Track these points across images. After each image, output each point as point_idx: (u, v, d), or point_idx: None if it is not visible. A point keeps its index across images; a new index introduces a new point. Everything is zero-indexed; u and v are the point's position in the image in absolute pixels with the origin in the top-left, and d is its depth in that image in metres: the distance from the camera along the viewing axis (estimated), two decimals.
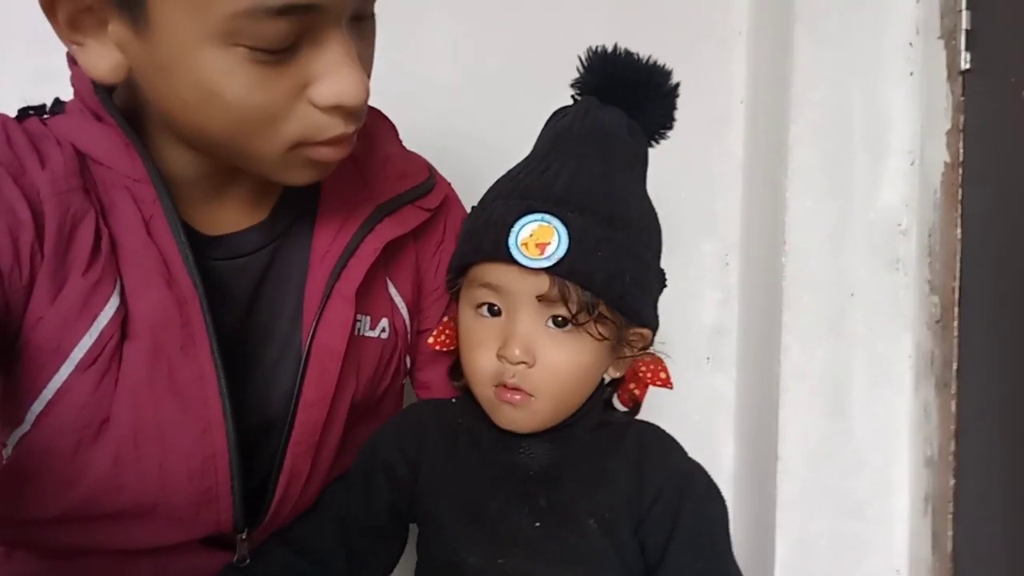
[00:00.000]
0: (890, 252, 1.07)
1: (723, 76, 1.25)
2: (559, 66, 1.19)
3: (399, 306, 0.80)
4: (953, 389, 0.99)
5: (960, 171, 1.00)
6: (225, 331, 0.69)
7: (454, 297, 0.76)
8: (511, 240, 0.65)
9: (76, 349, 0.63)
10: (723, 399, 1.25)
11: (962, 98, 0.99)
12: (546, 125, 0.75)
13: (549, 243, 0.65)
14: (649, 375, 0.76)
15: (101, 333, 0.63)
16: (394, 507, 0.75)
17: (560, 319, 0.67)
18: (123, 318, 0.64)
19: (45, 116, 0.68)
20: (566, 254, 0.65)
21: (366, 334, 0.76)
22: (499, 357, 0.68)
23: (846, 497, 1.06)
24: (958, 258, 0.99)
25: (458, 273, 0.73)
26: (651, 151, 1.21)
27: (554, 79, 1.23)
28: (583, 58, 0.75)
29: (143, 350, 0.64)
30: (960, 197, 1.00)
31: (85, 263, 0.62)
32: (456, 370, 0.77)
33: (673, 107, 0.75)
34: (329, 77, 0.58)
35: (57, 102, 0.69)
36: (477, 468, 0.72)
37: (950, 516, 0.98)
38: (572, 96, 0.77)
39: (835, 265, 1.07)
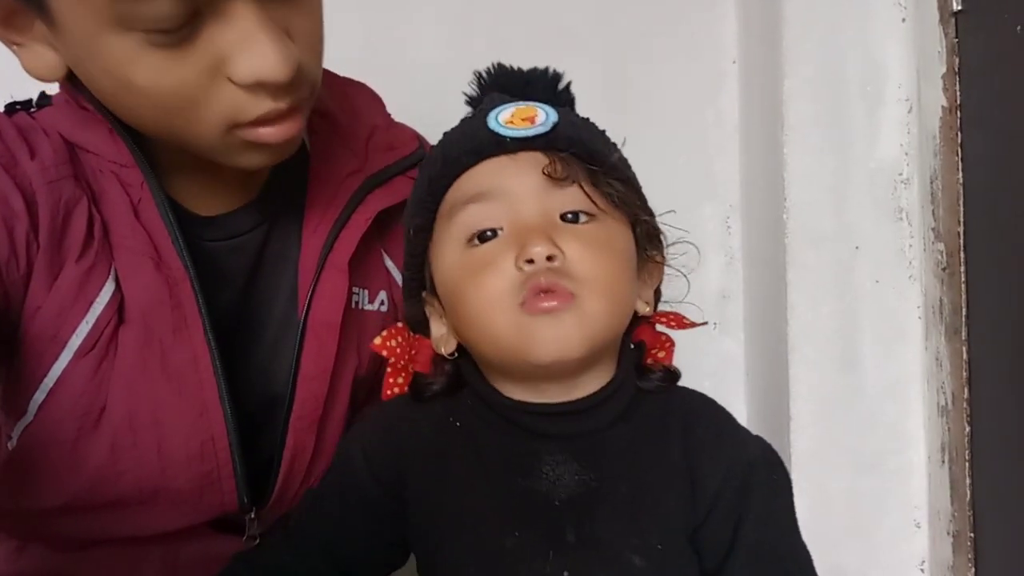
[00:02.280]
0: (892, 202, 1.05)
1: (714, 37, 1.24)
2: (547, 41, 1.19)
3: (396, 278, 0.79)
4: (964, 335, 0.98)
5: (958, 114, 0.98)
6: (222, 312, 0.69)
7: (412, 309, 0.61)
8: (491, 123, 0.55)
9: (74, 336, 0.63)
10: (732, 363, 1.25)
11: (956, 40, 0.98)
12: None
13: (536, 115, 0.56)
14: (673, 322, 0.64)
15: (98, 319, 0.63)
16: (375, 535, 0.61)
17: (572, 214, 0.55)
18: (119, 303, 0.64)
19: (32, 109, 0.68)
20: (559, 122, 0.55)
21: (365, 308, 0.76)
22: (520, 266, 0.52)
23: (862, 452, 1.05)
24: (961, 203, 0.98)
25: (427, 221, 0.59)
26: (645, 117, 1.21)
27: (542, 55, 1.22)
28: (469, 92, 0.65)
29: (135, 334, 0.64)
30: (960, 141, 0.98)
31: (79, 250, 0.63)
32: (419, 384, 0.62)
33: (572, 98, 0.64)
34: (242, 53, 0.55)
35: (43, 95, 0.70)
36: (483, 495, 0.57)
37: (967, 464, 0.97)
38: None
39: (838, 219, 1.06)
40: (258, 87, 0.56)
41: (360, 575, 0.62)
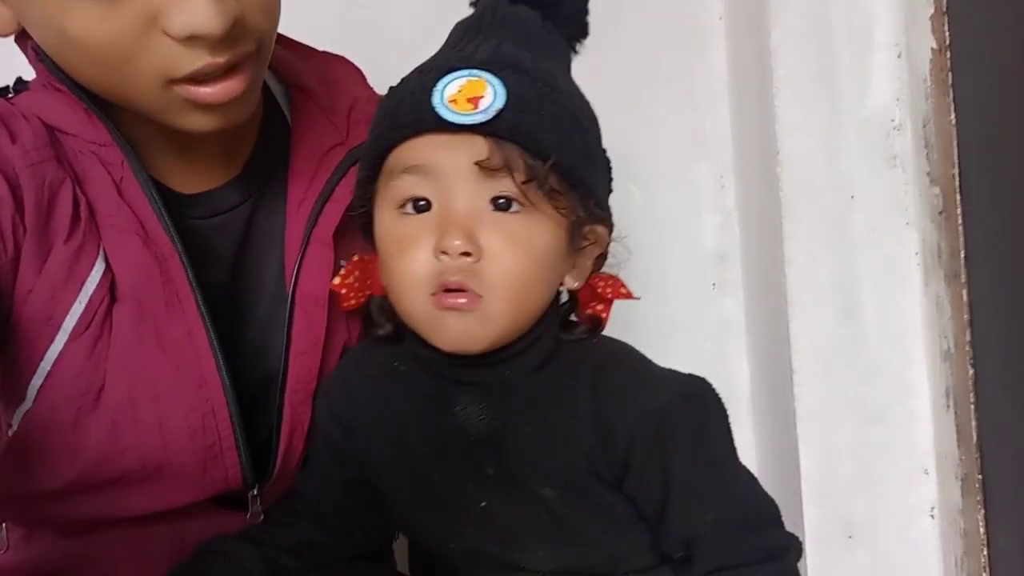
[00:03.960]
0: (886, 149, 1.04)
1: None
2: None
3: None
4: (963, 279, 0.97)
5: (948, 55, 0.97)
6: (213, 289, 0.70)
7: (364, 228, 0.62)
8: (435, 99, 0.53)
9: (68, 318, 0.63)
10: (732, 323, 1.24)
11: None
12: (451, 33, 0.63)
13: (483, 96, 0.53)
14: (609, 290, 0.64)
15: (90, 299, 0.64)
16: (351, 482, 0.66)
17: (503, 200, 0.54)
18: (110, 282, 0.65)
19: (10, 95, 0.68)
20: (505, 107, 0.53)
21: None
22: (437, 254, 0.54)
23: (866, 403, 1.04)
24: (955, 145, 0.97)
25: (370, 174, 0.59)
26: (634, 79, 1.20)
27: None
28: None
29: (129, 311, 0.65)
30: (951, 82, 0.97)
31: (66, 231, 0.63)
32: (372, 318, 0.64)
33: (585, 4, 0.64)
34: (175, 4, 0.54)
35: (20, 80, 0.70)
36: (414, 432, 0.61)
37: (972, 407, 0.96)
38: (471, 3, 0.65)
39: (832, 169, 1.05)
40: (193, 40, 0.55)
41: (353, 530, 0.68)
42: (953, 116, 0.97)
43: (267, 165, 0.74)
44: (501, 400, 0.59)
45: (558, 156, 0.54)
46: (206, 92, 0.58)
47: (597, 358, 0.60)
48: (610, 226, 0.62)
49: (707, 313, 1.24)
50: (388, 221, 0.58)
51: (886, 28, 1.03)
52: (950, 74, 0.97)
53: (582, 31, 0.64)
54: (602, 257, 0.63)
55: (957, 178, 0.97)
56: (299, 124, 0.75)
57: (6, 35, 0.62)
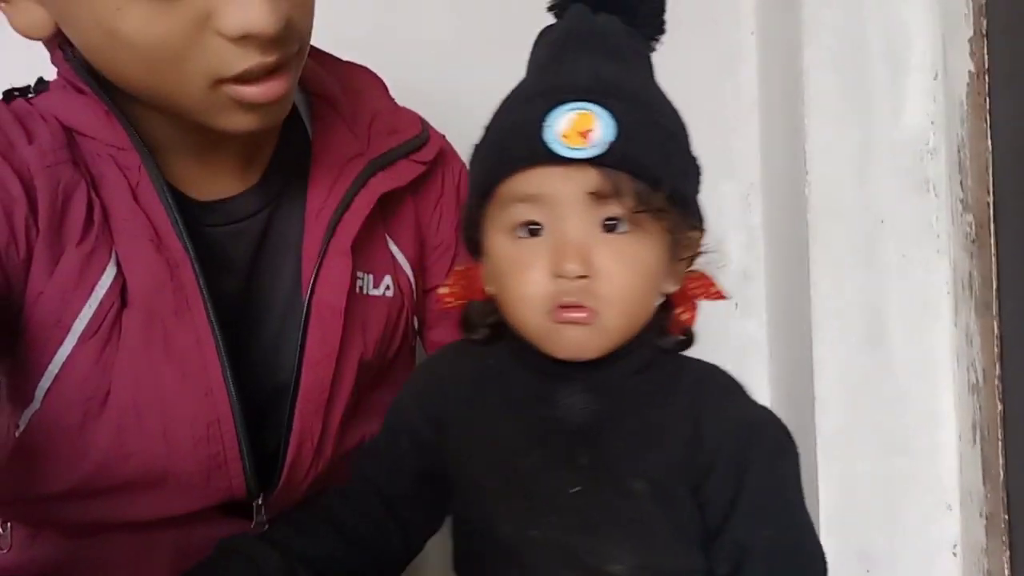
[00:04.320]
0: (919, 173, 1.02)
1: (732, 9, 1.21)
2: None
3: (401, 264, 0.79)
4: (995, 310, 0.94)
5: (986, 79, 0.94)
6: (227, 298, 0.69)
7: (469, 242, 0.67)
8: (547, 135, 0.57)
9: (77, 321, 0.63)
10: (755, 344, 1.22)
11: (982, 1, 0.94)
12: (537, 42, 0.67)
13: (592, 130, 0.57)
14: (700, 290, 0.68)
15: (100, 303, 0.63)
16: (425, 474, 0.69)
17: (612, 221, 0.59)
18: (121, 287, 0.64)
19: (30, 95, 0.68)
20: (615, 139, 0.57)
21: (371, 293, 0.75)
22: (554, 277, 0.58)
23: (890, 433, 1.02)
24: (990, 171, 0.94)
25: (481, 200, 0.63)
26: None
27: None
28: None
29: (138, 317, 0.64)
30: (988, 107, 0.94)
31: (79, 234, 0.63)
32: (469, 321, 0.69)
33: (663, 4, 0.67)
34: (230, 4, 0.54)
35: (40, 81, 0.70)
36: (508, 421, 0.65)
37: (1000, 443, 0.94)
38: (553, 13, 0.69)
39: (862, 192, 1.03)
40: (246, 40, 0.56)
41: (409, 523, 0.69)
42: (989, 141, 0.95)
43: (286, 173, 0.73)
44: (605, 395, 0.63)
45: (662, 181, 0.58)
46: (253, 91, 0.59)
47: (697, 371, 0.65)
48: (704, 230, 0.66)
49: (729, 333, 1.22)
50: (502, 244, 0.62)
51: (923, 49, 1.01)
52: (987, 99, 0.95)
53: (660, 29, 0.66)
54: (694, 257, 0.67)
55: (991, 206, 0.95)
56: (320, 133, 0.74)
57: (41, 38, 0.62)
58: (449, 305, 0.71)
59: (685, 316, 0.68)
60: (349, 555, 0.67)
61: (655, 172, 0.58)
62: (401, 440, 0.69)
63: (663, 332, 0.66)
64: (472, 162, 0.66)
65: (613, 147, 0.57)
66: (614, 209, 0.58)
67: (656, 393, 0.63)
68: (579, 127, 0.57)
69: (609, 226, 0.59)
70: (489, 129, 0.64)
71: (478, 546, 0.65)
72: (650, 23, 0.66)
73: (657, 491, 0.60)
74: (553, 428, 0.63)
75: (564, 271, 0.58)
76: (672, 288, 0.65)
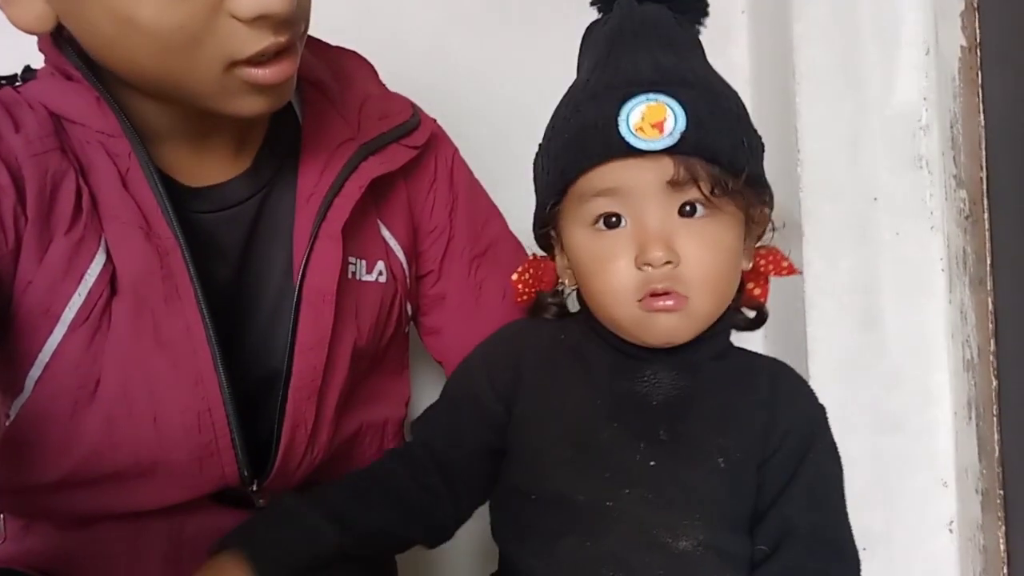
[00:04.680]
0: (911, 150, 1.01)
1: None
2: (549, 1, 1.16)
3: (394, 249, 0.79)
4: (989, 286, 0.94)
5: (978, 54, 0.94)
6: (218, 284, 0.69)
7: (541, 239, 0.69)
8: (623, 129, 0.59)
9: (67, 310, 0.63)
10: None
11: None
12: (587, 39, 0.69)
13: (665, 120, 0.58)
14: (771, 266, 0.70)
15: (90, 291, 0.63)
16: (484, 443, 0.70)
17: (689, 207, 0.61)
18: (111, 275, 0.64)
19: (17, 84, 0.68)
20: (687, 128, 0.58)
21: (363, 278, 0.75)
22: (640, 266, 0.60)
23: (885, 412, 1.02)
24: (983, 147, 0.94)
25: (557, 198, 0.65)
26: None
27: (544, 16, 1.19)
28: None
29: (127, 305, 0.64)
30: (980, 82, 0.94)
31: (68, 222, 0.63)
32: (539, 310, 0.72)
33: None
34: None
35: (28, 69, 0.69)
36: (586, 394, 0.66)
37: (995, 419, 0.94)
38: (597, 8, 0.70)
39: (854, 170, 1.02)
40: (260, 21, 0.56)
41: (461, 493, 0.69)
42: (982, 117, 0.94)
43: (277, 159, 0.73)
44: (690, 374, 0.65)
45: (735, 163, 0.60)
46: (264, 73, 0.60)
47: (771, 365, 0.69)
48: (772, 206, 0.67)
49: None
50: (583, 238, 0.64)
51: (914, 24, 1.00)
52: (980, 73, 0.94)
53: (703, 11, 0.69)
54: (763, 233, 0.69)
55: (985, 181, 0.94)
56: (310, 118, 0.74)
57: (42, 32, 0.61)
58: (520, 293, 0.72)
59: (756, 292, 0.71)
60: (402, 524, 0.67)
61: (729, 156, 0.60)
62: (464, 408, 0.71)
63: (736, 309, 0.69)
64: (540, 161, 0.68)
65: (686, 135, 0.58)
66: (690, 194, 0.60)
67: (737, 380, 0.66)
68: (651, 119, 0.58)
69: (687, 211, 0.61)
70: (556, 130, 0.65)
71: (542, 510, 0.65)
72: (693, 7, 0.68)
73: (732, 469, 0.63)
74: (635, 402, 0.65)
75: (651, 259, 0.59)
76: (747, 265, 0.68)
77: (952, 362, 1.01)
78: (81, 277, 0.63)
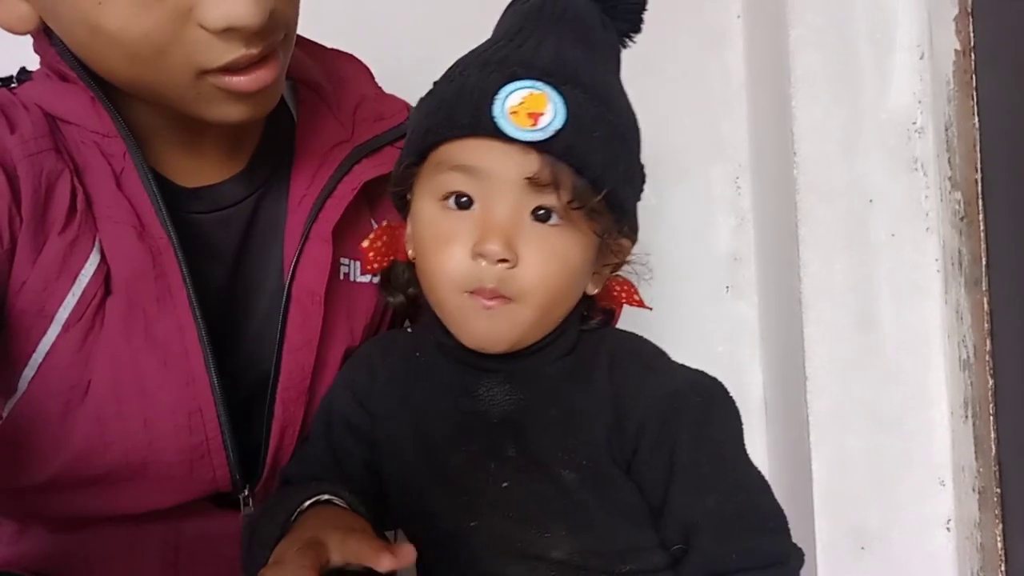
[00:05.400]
0: (906, 152, 1.02)
1: None
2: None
3: None
4: (984, 286, 0.94)
5: (972, 57, 0.94)
6: (212, 286, 0.69)
7: (397, 199, 0.65)
8: (496, 108, 0.54)
9: (61, 310, 0.63)
10: (746, 327, 1.22)
11: None
12: (508, 10, 0.65)
13: (543, 113, 0.54)
14: (623, 296, 0.68)
15: (84, 291, 0.63)
16: (369, 464, 0.66)
17: (543, 211, 0.57)
18: (105, 275, 0.64)
19: (12, 85, 0.68)
20: (563, 127, 0.54)
21: (357, 279, 0.75)
22: (474, 256, 0.56)
23: (882, 411, 1.02)
24: (978, 149, 0.94)
25: (417, 159, 0.60)
26: (649, 77, 1.18)
27: None
28: None
29: (120, 305, 0.64)
30: (974, 85, 0.94)
31: (62, 223, 0.62)
32: (390, 282, 0.68)
33: (644, 1, 0.65)
34: None
35: (23, 71, 0.69)
36: (435, 417, 0.63)
37: (991, 418, 0.94)
38: None
39: (850, 172, 1.02)
40: (229, 33, 0.55)
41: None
42: (976, 119, 0.95)
43: (271, 161, 0.73)
44: (525, 384, 0.62)
45: (603, 181, 0.56)
46: (239, 81, 0.58)
47: (614, 346, 0.63)
48: (635, 240, 0.64)
49: (720, 316, 1.22)
50: (429, 211, 0.60)
51: (909, 28, 1.01)
52: (974, 76, 0.95)
53: (636, 27, 0.65)
54: (619, 264, 0.65)
55: (979, 183, 0.95)
56: (305, 120, 0.74)
57: (26, 32, 0.61)
58: (370, 260, 0.68)
59: (607, 311, 0.67)
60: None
61: (597, 171, 0.56)
62: (339, 431, 0.67)
63: (585, 319, 0.65)
64: (413, 117, 0.64)
65: (560, 136, 0.54)
66: (549, 199, 0.56)
67: (575, 378, 0.62)
68: (529, 107, 0.55)
69: (540, 216, 0.57)
70: (437, 88, 0.61)
71: (421, 543, 0.61)
72: (628, 18, 0.64)
73: (586, 476, 0.59)
74: (479, 421, 0.61)
75: (486, 251, 0.56)
76: (593, 290, 0.64)
77: (948, 362, 1.01)
78: (75, 277, 0.63)
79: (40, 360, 0.63)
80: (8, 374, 0.64)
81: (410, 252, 0.64)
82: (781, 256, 1.10)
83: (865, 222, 1.02)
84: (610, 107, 0.59)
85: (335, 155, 0.73)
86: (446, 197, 0.58)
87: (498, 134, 0.55)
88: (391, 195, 0.66)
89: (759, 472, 0.61)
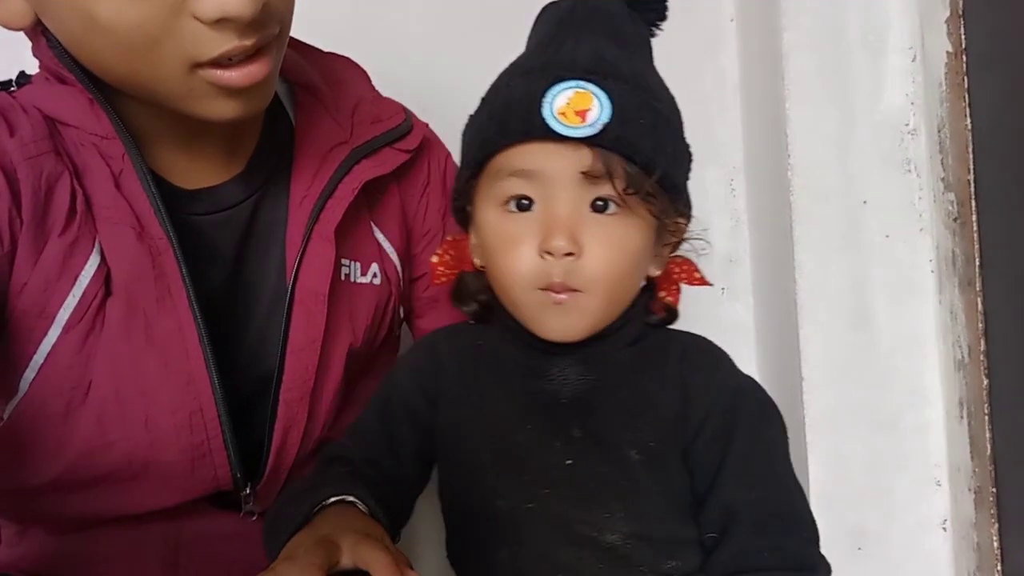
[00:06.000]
0: (900, 153, 1.02)
1: None
2: (541, 6, 1.16)
3: (388, 251, 0.79)
4: (978, 287, 0.95)
5: (964, 59, 0.95)
6: (212, 286, 0.69)
7: (458, 213, 0.68)
8: (545, 111, 0.58)
9: (61, 311, 0.63)
10: (741, 328, 1.22)
11: None
12: (540, 19, 0.68)
13: (590, 109, 0.57)
14: (684, 275, 0.70)
15: (84, 293, 0.63)
16: (421, 451, 0.69)
17: (601, 202, 0.60)
18: (105, 276, 0.64)
19: (12, 89, 0.68)
20: (610, 120, 0.57)
21: (358, 280, 0.75)
22: (542, 253, 0.60)
23: (877, 411, 1.03)
24: (970, 150, 0.95)
25: (474, 172, 0.64)
26: None
27: (533, 20, 1.20)
28: None
29: (120, 305, 0.64)
30: (967, 86, 0.95)
31: (62, 224, 0.63)
32: (461, 293, 0.71)
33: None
34: None
35: (22, 74, 0.69)
36: (501, 397, 0.66)
37: (986, 418, 0.94)
38: None
39: (844, 174, 1.03)
40: (222, 24, 0.55)
41: (405, 498, 0.68)
42: (969, 121, 0.95)
43: (270, 162, 0.73)
44: (598, 367, 0.64)
45: (654, 165, 0.59)
46: (232, 76, 0.58)
47: (684, 341, 0.67)
48: (690, 217, 0.67)
49: (716, 318, 1.22)
50: (493, 217, 0.63)
51: (901, 31, 1.02)
52: (966, 78, 0.95)
53: (662, 15, 0.68)
54: (679, 243, 0.68)
55: (972, 184, 0.95)
56: (303, 122, 0.74)
57: (21, 27, 0.61)
58: (440, 275, 0.71)
59: (668, 299, 0.70)
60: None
61: (648, 156, 0.59)
62: (398, 416, 0.69)
63: (648, 311, 0.68)
64: (466, 133, 0.67)
65: (608, 128, 0.57)
66: (605, 190, 0.59)
67: (646, 364, 0.65)
68: (576, 106, 0.58)
69: (599, 206, 0.60)
70: (486, 101, 0.64)
71: (473, 522, 0.65)
72: (652, 7, 0.67)
73: (649, 460, 0.62)
74: (546, 402, 0.64)
75: (552, 247, 0.59)
76: (656, 272, 0.67)
77: (943, 362, 1.02)
78: (76, 278, 0.63)
79: (41, 361, 0.63)
80: (9, 375, 0.64)
81: (477, 261, 0.68)
82: (776, 257, 1.11)
83: (859, 223, 1.03)
84: (651, 94, 0.62)
85: (334, 156, 0.73)
86: (507, 202, 0.62)
87: (550, 135, 0.58)
88: (452, 210, 0.69)
89: (801, 488, 0.64)
